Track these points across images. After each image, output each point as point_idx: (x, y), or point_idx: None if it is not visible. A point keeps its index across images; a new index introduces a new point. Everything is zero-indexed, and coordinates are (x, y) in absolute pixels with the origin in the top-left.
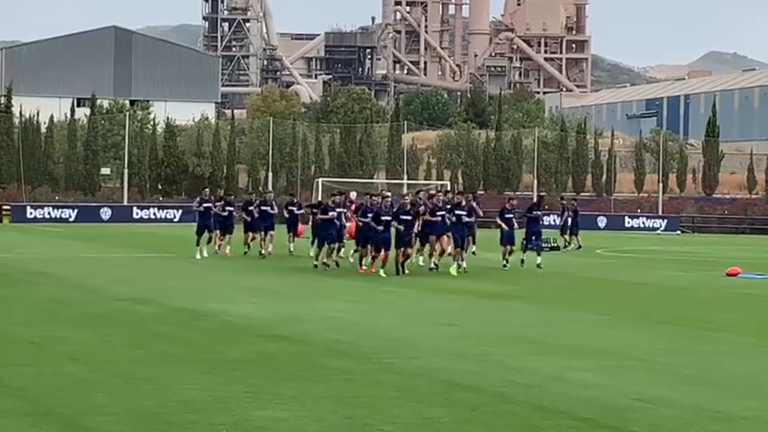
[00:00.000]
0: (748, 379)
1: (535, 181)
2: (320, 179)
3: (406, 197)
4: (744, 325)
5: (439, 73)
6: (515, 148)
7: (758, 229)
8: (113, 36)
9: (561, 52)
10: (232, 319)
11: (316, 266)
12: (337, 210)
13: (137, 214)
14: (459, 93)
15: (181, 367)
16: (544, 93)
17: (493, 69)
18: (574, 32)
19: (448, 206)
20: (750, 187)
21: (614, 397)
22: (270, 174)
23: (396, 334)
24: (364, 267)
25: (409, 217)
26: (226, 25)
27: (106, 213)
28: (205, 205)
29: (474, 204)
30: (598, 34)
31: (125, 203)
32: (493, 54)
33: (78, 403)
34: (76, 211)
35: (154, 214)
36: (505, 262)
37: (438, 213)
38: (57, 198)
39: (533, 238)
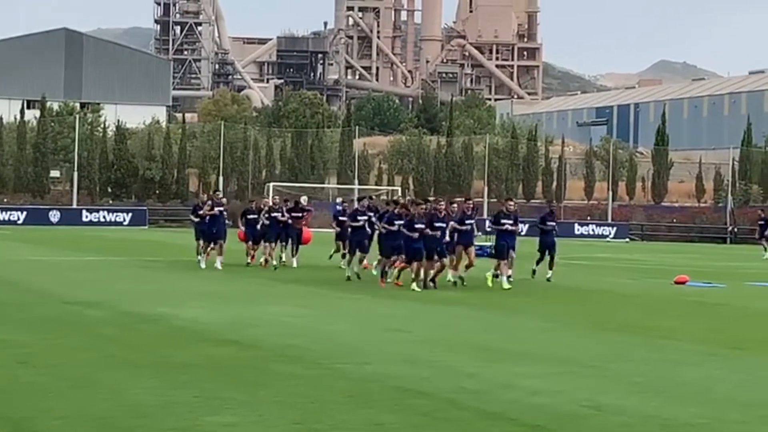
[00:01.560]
0: (697, 386)
1: (486, 188)
2: (271, 183)
3: (440, 204)
4: (692, 333)
5: (391, 78)
6: (466, 154)
7: (706, 238)
8: (64, 38)
9: (512, 60)
10: (182, 323)
11: (349, 278)
12: (367, 215)
13: (87, 217)
14: (411, 99)
15: (130, 371)
16: (496, 100)
17: (444, 75)
18: (525, 40)
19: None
20: (698, 195)
21: (563, 404)
22: (221, 178)
23: (347, 339)
24: (388, 280)
25: (444, 225)
26: (177, 28)
27: (55, 216)
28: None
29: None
30: (550, 41)
31: (74, 206)
32: (444, 60)
33: (26, 407)
34: (24, 213)
35: (104, 217)
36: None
37: (467, 222)
38: (5, 200)
39: (547, 251)
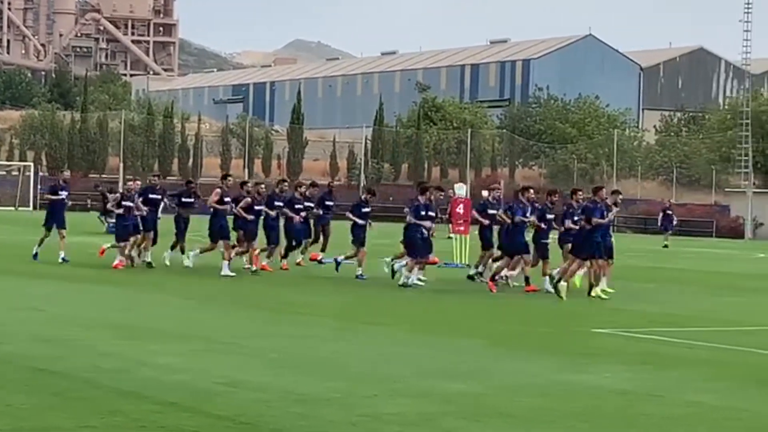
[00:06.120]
0: (333, 361)
1: (122, 164)
2: None
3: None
4: (329, 309)
5: (23, 51)
6: (101, 130)
7: (341, 215)
8: None
9: (148, 35)
10: None
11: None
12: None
13: None
14: (44, 73)
15: None
16: (131, 75)
17: (79, 49)
18: (161, 15)
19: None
20: (333, 173)
21: (200, 381)
22: None
23: None
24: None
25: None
26: None
27: None
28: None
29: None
30: (186, 18)
31: None
32: (79, 34)
33: None
34: None
35: None
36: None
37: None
38: None
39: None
